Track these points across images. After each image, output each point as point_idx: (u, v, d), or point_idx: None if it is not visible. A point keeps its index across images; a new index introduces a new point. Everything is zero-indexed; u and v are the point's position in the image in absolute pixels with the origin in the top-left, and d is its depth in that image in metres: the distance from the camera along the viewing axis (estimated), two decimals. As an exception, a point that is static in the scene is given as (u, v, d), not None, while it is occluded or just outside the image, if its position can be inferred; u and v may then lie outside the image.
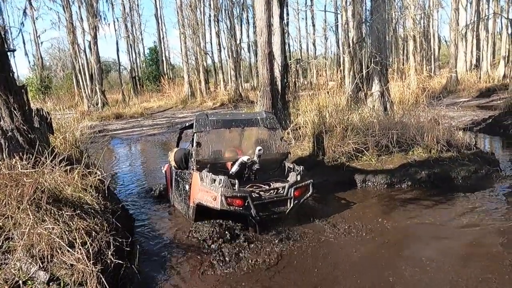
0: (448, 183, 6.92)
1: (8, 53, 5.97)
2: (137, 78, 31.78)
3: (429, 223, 5.44)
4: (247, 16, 32.47)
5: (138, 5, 34.10)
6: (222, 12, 28.10)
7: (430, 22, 30.20)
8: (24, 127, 5.86)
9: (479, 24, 24.89)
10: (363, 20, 9.00)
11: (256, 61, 35.02)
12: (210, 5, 29.71)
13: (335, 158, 7.56)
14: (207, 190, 5.30)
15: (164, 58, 35.74)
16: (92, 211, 4.75)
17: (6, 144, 5.67)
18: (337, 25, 28.39)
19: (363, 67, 9.65)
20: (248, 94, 27.79)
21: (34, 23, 27.56)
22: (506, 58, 23.79)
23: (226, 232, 5.28)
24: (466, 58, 24.86)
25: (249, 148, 6.07)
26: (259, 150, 5.76)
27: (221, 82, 31.00)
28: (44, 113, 6.73)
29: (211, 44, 32.59)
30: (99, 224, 4.48)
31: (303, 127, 8.57)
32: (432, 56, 29.71)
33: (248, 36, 33.56)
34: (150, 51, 35.13)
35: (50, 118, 6.90)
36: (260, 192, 5.33)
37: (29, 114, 6.11)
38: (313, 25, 34.55)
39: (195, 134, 5.70)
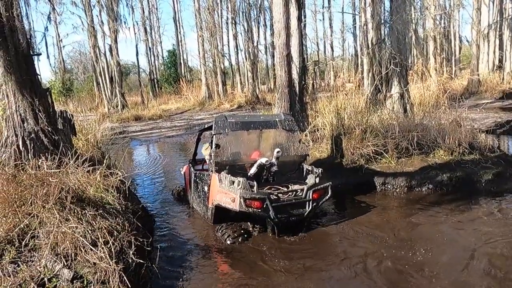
0: (470, 187, 6.77)
1: (34, 57, 6.15)
2: (155, 80, 32.19)
3: (452, 228, 5.33)
4: (264, 18, 32.59)
5: (157, 9, 34.61)
6: (239, 15, 28.23)
7: (450, 22, 29.63)
8: (49, 129, 6.03)
9: (502, 23, 24.24)
10: (383, 21, 8.90)
11: (273, 63, 35.13)
12: (227, 7, 29.93)
13: (353, 160, 7.49)
14: (225, 192, 5.34)
15: (182, 61, 36.12)
16: (114, 211, 4.84)
17: (31, 145, 5.85)
18: (355, 26, 28.11)
19: (382, 68, 9.54)
20: (265, 96, 27.79)
21: (57, 27, 28.32)
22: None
23: (245, 234, 5.31)
24: (489, 59, 24.25)
25: (267, 150, 6.08)
26: (278, 152, 5.77)
27: (238, 84, 31.11)
28: (67, 115, 6.91)
29: (228, 46, 32.84)
30: (120, 224, 4.56)
31: (321, 129, 8.53)
32: (453, 57, 29.15)
33: (265, 38, 33.67)
34: (169, 54, 35.54)
35: (73, 120, 7.08)
36: (279, 194, 5.33)
37: (53, 116, 6.28)
38: (331, 27, 34.34)
39: (214, 136, 5.75)
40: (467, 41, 31.14)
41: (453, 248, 4.75)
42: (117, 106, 22.15)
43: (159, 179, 9.22)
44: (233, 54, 30.70)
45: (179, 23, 34.66)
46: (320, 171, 5.65)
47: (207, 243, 5.32)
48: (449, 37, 29.82)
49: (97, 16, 23.70)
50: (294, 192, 5.44)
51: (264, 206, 5.11)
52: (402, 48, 9.13)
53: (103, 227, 4.29)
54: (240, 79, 31.49)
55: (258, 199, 5.08)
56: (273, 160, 5.81)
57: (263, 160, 5.77)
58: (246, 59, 27.46)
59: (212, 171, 5.73)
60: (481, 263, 4.30)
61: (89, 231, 4.18)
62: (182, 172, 7.56)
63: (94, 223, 4.32)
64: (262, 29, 32.25)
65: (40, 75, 6.08)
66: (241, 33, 28.56)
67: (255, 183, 5.20)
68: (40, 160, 4.97)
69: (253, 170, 5.80)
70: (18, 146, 5.76)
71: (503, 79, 22.94)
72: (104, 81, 23.15)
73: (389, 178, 7.04)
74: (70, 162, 5.40)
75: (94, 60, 23.46)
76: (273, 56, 35.75)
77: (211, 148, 5.82)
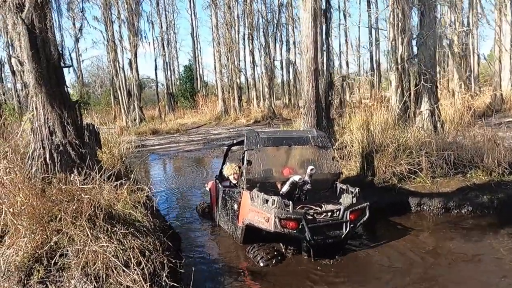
0: (513, 209, 6.40)
1: (64, 69, 6.08)
2: (172, 94, 32.40)
3: (497, 255, 4.97)
4: (281, 34, 32.76)
5: (174, 24, 35.09)
6: (257, 30, 28.42)
7: (469, 39, 29.27)
8: (76, 142, 5.89)
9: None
10: (414, 36, 8.68)
11: (288, 79, 35.13)
12: (244, 24, 30.19)
13: (385, 179, 7.18)
14: (258, 211, 5.09)
15: (198, 76, 36.38)
16: (144, 229, 4.63)
17: (59, 158, 5.70)
18: (377, 43, 27.87)
19: (410, 84, 9.29)
20: (281, 112, 27.68)
21: (77, 41, 28.81)
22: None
23: (278, 256, 5.04)
24: (511, 76, 23.74)
25: (299, 167, 5.84)
26: (312, 169, 5.52)
27: (254, 99, 31.07)
28: (94, 128, 6.79)
29: (245, 61, 32.91)
30: (151, 243, 4.34)
31: (349, 145, 8.26)
32: (472, 74, 28.65)
33: (281, 54, 33.79)
34: (185, 69, 35.85)
35: (99, 133, 6.97)
36: (315, 214, 5.07)
37: (81, 129, 6.16)
38: (346, 42, 34.08)
39: (246, 152, 5.54)
40: (485, 58, 30.68)
41: (499, 276, 4.39)
42: (135, 120, 22.23)
43: (180, 195, 9.02)
44: (249, 69, 30.59)
45: (196, 38, 35.04)
46: (357, 190, 5.37)
47: (239, 265, 5.06)
48: (466, 55, 29.41)
49: (116, 31, 24.12)
50: (331, 213, 5.17)
51: (300, 226, 4.84)
52: (432, 64, 8.88)
53: (135, 247, 4.08)
54: (256, 94, 31.49)
55: (294, 219, 4.82)
56: (306, 178, 5.55)
57: (296, 177, 5.52)
58: (263, 74, 27.42)
59: (243, 188, 5.50)
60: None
61: (121, 251, 3.97)
62: (207, 188, 7.34)
63: (126, 242, 4.10)
64: (279, 45, 32.44)
65: (68, 87, 5.98)
66: (258, 49, 28.68)
67: (291, 202, 4.95)
68: (71, 175, 4.80)
69: (285, 188, 5.55)
70: (45, 159, 5.61)
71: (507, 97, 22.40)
72: (122, 95, 23.31)
73: (424, 199, 6.71)
74: (96, 176, 5.25)
75: (113, 74, 23.69)
76: (288, 72, 35.90)
77: (243, 164, 5.61)
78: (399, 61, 9.01)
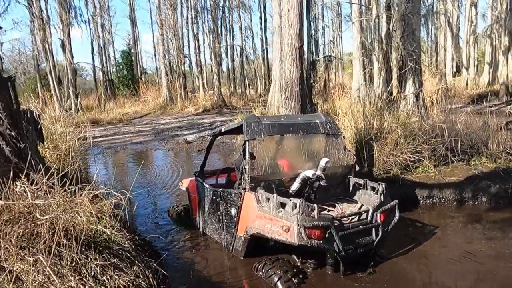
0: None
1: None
2: (111, 82, 29.57)
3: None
4: (226, 20, 31.27)
5: (109, 7, 31.77)
6: (204, 14, 26.75)
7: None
8: (12, 133, 4.31)
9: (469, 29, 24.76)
10: (402, 14, 7.98)
11: (233, 66, 33.82)
12: (188, 7, 28.30)
13: (386, 169, 6.42)
14: (271, 218, 3.98)
15: (137, 62, 33.73)
16: (126, 253, 3.30)
17: (-14, 157, 4.11)
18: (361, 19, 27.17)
19: (391, 66, 8.65)
20: (230, 100, 26.49)
21: (-6, 21, 24.89)
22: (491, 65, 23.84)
23: (299, 274, 3.96)
24: (453, 65, 24.79)
25: (308, 160, 4.78)
26: (326, 162, 4.52)
27: (201, 86, 29.46)
28: (33, 115, 5.17)
29: (189, 47, 31.06)
30: (141, 276, 3.04)
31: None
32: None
33: (226, 40, 32.33)
34: (123, 54, 32.94)
35: (40, 123, 5.34)
36: (341, 219, 4.07)
37: (17, 116, 4.55)
38: (339, 16, 32.25)
39: (247, 143, 4.36)
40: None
41: None
42: (70, 109, 19.55)
43: (142, 197, 7.51)
44: (193, 55, 28.89)
45: (134, 21, 32.31)
46: (383, 186, 4.46)
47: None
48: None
49: (43, 11, 20.94)
50: (358, 215, 4.21)
51: (327, 235, 3.82)
52: (417, 45, 8.28)
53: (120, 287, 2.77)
54: (202, 82, 29.86)
55: (321, 227, 3.78)
56: (318, 172, 4.54)
57: (308, 173, 4.48)
58: (212, 60, 25.90)
59: (244, 188, 4.33)
60: None
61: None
62: (183, 188, 6.05)
63: (107, 281, 2.78)
64: (224, 31, 30.95)
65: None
66: (206, 33, 27.06)
67: (315, 205, 3.89)
68: (10, 182, 3.30)
69: (295, 186, 4.49)
70: (-36, 159, 4.00)
71: (467, 84, 23.49)
72: (53, 81, 20.43)
73: (434, 191, 6.04)
74: (43, 179, 3.76)
75: (43, 57, 20.66)
76: (233, 60, 34.54)
77: (244, 158, 4.43)
78: (383, 40, 8.26)
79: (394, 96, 8.29)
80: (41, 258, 2.58)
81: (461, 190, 5.95)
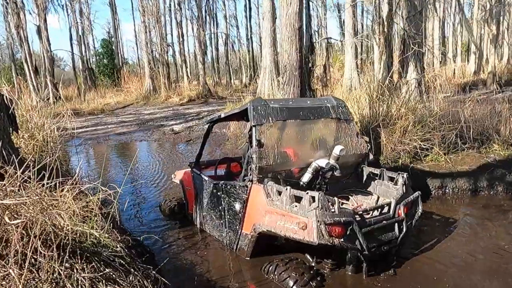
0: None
1: None
2: (91, 71, 28.39)
3: None
4: (210, 7, 30.38)
5: (87, -8, 30.37)
6: (187, 0, 25.83)
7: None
8: (-22, 120, 3.68)
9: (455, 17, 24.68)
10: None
11: (216, 55, 33.01)
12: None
13: (394, 158, 6.01)
14: (284, 213, 3.49)
15: (118, 51, 32.54)
16: (120, 260, 2.75)
17: None
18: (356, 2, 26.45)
19: (392, 49, 8.23)
20: (216, 90, 25.82)
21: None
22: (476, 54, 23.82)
23: (317, 276, 3.49)
24: (439, 53, 24.66)
25: (319, 148, 4.30)
26: (341, 150, 4.06)
27: (185, 76, 28.60)
28: (3, 100, 4.52)
29: (172, 35, 30.12)
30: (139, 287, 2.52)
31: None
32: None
33: (210, 29, 31.46)
34: (103, 43, 31.63)
35: (13, 108, 4.69)
36: (363, 213, 3.61)
37: (-15, 99, 3.92)
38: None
39: (253, 128, 3.84)
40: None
41: None
42: (48, 99, 18.57)
43: (129, 191, 6.91)
44: (176, 44, 28.01)
45: (114, 8, 31.04)
46: (405, 176, 4.03)
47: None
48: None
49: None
50: (380, 209, 3.77)
51: (349, 232, 3.36)
52: (420, 27, 7.87)
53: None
54: (187, 71, 29.00)
55: (343, 223, 3.31)
56: (332, 162, 4.08)
57: (321, 162, 4.02)
58: (197, 48, 25.07)
59: (251, 180, 3.83)
60: None
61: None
62: (176, 180, 5.51)
63: (98, 297, 2.24)
64: (208, 19, 30.09)
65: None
66: (190, 21, 26.18)
67: (335, 199, 3.41)
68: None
69: (306, 178, 4.03)
70: None
71: (454, 73, 23.42)
72: (29, 70, 19.30)
73: (446, 180, 5.67)
74: (17, 172, 3.17)
75: (18, 45, 19.45)
76: (217, 49, 33.72)
77: (250, 146, 3.92)
78: (385, 22, 7.81)
79: (397, 82, 7.87)
80: (12, 273, 2.02)
81: (475, 179, 5.60)
